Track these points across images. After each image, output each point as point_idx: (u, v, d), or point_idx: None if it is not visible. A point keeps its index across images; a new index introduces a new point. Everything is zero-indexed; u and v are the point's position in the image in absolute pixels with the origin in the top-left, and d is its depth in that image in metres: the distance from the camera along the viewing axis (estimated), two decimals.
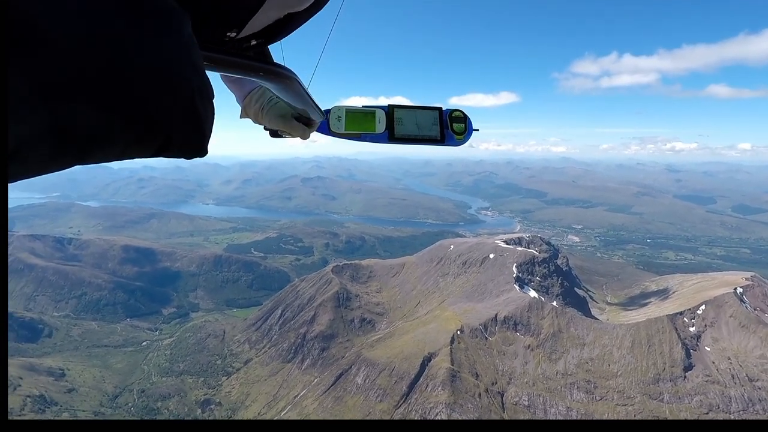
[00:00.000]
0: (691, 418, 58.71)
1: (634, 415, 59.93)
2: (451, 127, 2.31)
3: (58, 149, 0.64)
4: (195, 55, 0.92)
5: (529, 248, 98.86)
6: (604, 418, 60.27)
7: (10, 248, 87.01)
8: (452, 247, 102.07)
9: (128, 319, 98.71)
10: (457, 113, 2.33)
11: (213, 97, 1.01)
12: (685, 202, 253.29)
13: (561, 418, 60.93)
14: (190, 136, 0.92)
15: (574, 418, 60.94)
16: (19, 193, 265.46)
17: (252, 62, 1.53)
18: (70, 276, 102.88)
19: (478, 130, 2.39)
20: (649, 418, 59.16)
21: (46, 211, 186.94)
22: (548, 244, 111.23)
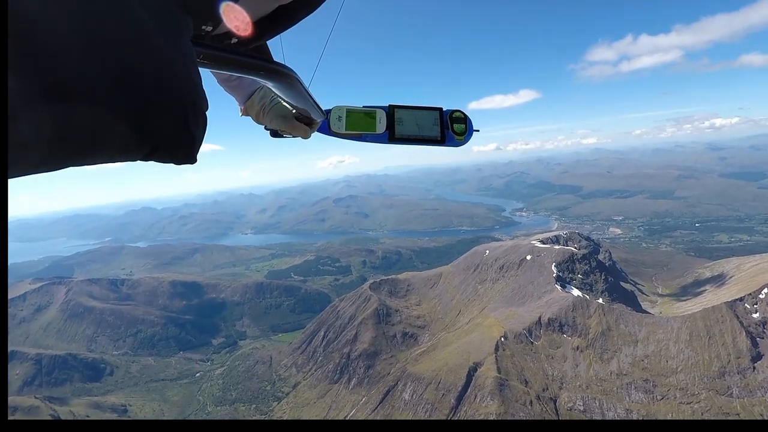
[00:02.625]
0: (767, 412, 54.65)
1: (702, 414, 56.37)
2: (451, 127, 2.32)
3: (54, 148, 0.66)
4: (192, 64, 0.93)
5: (567, 246, 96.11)
6: (669, 418, 57.10)
7: (71, 293, 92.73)
8: (488, 252, 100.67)
9: (181, 352, 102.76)
10: (457, 113, 2.35)
11: (206, 108, 1.02)
12: (733, 180, 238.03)
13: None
14: (180, 145, 0.93)
15: (635, 419, 58.05)
16: (75, 241, 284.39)
17: (251, 60, 1.50)
18: (125, 315, 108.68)
19: (478, 130, 2.41)
20: (719, 416, 55.52)
21: (101, 255, 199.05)
22: (587, 239, 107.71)
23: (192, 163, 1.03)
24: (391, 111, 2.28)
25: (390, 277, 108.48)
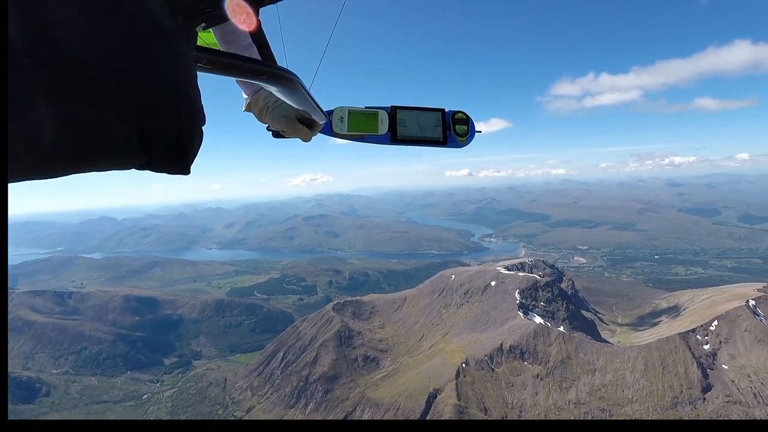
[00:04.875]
0: None
1: None
2: (453, 128, 2.29)
3: (53, 150, 0.66)
4: (191, 78, 0.93)
5: (531, 273, 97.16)
6: None
7: (10, 305, 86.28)
8: (453, 276, 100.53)
9: (129, 372, 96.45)
10: (459, 115, 2.31)
11: (203, 123, 1.03)
12: (690, 215, 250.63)
13: None
14: (175, 158, 0.94)
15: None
16: (24, 249, 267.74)
17: (255, 65, 1.51)
18: (69, 331, 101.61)
19: (480, 131, 2.36)
20: None
21: (50, 266, 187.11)
22: (551, 267, 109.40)
23: (185, 175, 1.05)
24: (393, 112, 2.28)
25: (354, 298, 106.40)
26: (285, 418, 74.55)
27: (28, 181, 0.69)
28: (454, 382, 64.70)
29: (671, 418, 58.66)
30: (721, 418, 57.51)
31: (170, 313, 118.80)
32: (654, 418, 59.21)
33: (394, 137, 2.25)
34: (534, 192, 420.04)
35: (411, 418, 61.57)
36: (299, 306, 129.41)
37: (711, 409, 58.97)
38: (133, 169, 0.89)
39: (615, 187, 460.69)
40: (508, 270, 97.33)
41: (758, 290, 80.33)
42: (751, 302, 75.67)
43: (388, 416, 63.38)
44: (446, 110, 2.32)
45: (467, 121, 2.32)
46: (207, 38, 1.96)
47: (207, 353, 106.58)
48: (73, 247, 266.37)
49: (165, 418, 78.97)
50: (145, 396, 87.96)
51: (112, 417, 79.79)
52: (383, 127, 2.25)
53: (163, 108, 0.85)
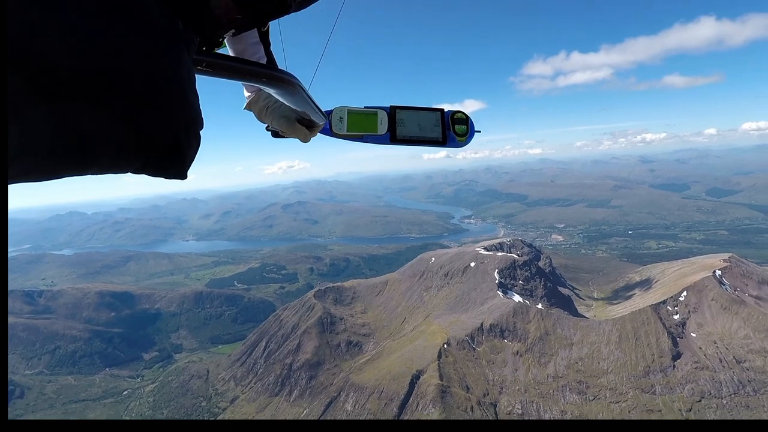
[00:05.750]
0: (685, 407, 58.07)
1: (629, 412, 58.98)
2: (452, 128, 2.31)
3: (50, 152, 0.66)
4: (191, 83, 0.94)
5: (509, 252, 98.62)
6: (599, 417, 59.17)
7: None
8: (433, 259, 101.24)
9: (107, 369, 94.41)
10: (459, 114, 2.33)
11: (201, 127, 1.04)
12: (661, 190, 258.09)
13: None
14: (171, 163, 0.94)
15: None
16: None
17: (254, 68, 1.51)
18: (41, 330, 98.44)
19: (480, 131, 2.38)
20: (644, 413, 58.26)
21: (17, 264, 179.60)
22: (529, 246, 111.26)
23: (182, 180, 1.07)
24: (392, 112, 2.30)
25: (335, 284, 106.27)
26: (269, 406, 74.48)
27: (25, 183, 0.69)
28: (437, 362, 65.63)
29: (644, 386, 61.06)
30: (720, 419, 60.14)
31: (148, 308, 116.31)
32: (628, 387, 61.51)
33: (394, 137, 2.24)
34: (511, 172, 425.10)
35: (395, 400, 62.32)
36: (280, 294, 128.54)
37: (680, 375, 61.61)
38: (130, 173, 0.89)
39: (590, 165, 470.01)
40: (487, 250, 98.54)
41: (724, 261, 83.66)
42: (718, 272, 78.81)
43: (373, 399, 63.97)
44: (445, 110, 2.32)
45: (467, 120, 2.31)
46: None
47: (188, 346, 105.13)
48: (41, 243, 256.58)
49: (149, 414, 77.88)
50: (126, 392, 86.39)
51: (91, 415, 78.27)
52: (383, 127, 2.24)
53: (161, 111, 0.85)
